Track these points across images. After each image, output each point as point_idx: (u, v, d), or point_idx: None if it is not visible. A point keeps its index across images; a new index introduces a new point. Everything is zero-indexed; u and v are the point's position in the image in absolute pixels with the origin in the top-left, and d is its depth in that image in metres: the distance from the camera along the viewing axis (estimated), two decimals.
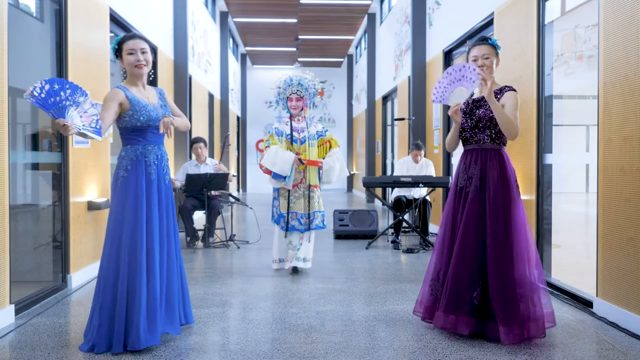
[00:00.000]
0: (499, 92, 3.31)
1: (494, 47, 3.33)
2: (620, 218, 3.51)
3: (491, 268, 3.15)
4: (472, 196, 3.26)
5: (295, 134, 5.14)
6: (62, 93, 2.82)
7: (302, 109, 5.17)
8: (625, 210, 3.45)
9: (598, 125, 3.75)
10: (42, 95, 2.78)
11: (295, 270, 5.15)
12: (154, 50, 7.39)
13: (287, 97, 5.16)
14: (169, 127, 3.21)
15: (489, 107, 3.27)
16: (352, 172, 18.09)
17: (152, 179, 3.18)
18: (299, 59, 18.02)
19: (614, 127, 3.57)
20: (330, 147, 5.27)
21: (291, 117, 5.18)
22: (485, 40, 3.35)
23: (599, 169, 3.75)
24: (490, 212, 3.20)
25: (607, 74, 3.64)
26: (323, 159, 5.19)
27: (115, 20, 5.77)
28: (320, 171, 5.17)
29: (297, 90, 5.12)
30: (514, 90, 3.31)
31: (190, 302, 3.49)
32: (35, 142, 4.59)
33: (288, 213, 5.07)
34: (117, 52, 3.26)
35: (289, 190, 5.09)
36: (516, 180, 3.30)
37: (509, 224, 3.18)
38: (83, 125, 2.88)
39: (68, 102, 2.83)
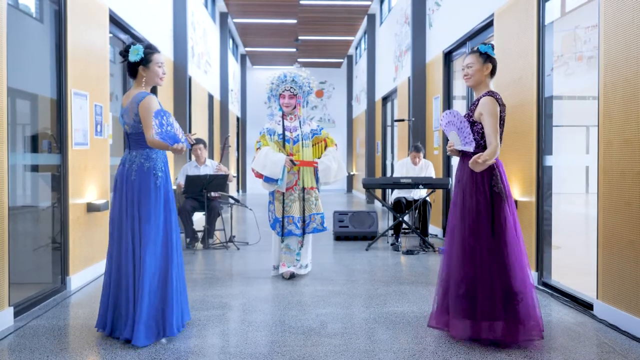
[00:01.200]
0: (477, 101, 3.35)
1: (482, 54, 3.34)
2: (620, 221, 3.50)
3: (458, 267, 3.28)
4: (454, 200, 3.40)
5: (287, 133, 4.93)
6: (163, 121, 3.06)
7: (294, 107, 4.97)
8: (625, 213, 3.44)
9: (598, 127, 3.74)
10: (161, 130, 3.04)
11: (292, 276, 4.97)
12: None
13: (280, 94, 4.95)
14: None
15: (471, 115, 3.34)
16: (351, 173, 18.08)
17: (170, 181, 3.44)
18: (299, 60, 18.01)
19: (614, 129, 3.56)
20: (326, 145, 5.05)
21: (284, 115, 5.00)
22: (475, 50, 3.40)
23: (599, 172, 3.74)
24: (462, 215, 3.29)
25: (608, 75, 3.63)
26: (319, 158, 4.99)
27: (115, 21, 5.76)
28: (317, 172, 4.95)
29: (291, 88, 4.91)
30: (491, 95, 3.27)
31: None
32: (34, 144, 4.58)
33: (283, 217, 4.89)
34: (143, 60, 3.32)
35: (283, 194, 4.90)
36: (495, 183, 3.24)
37: (480, 226, 3.22)
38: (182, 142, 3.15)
39: (169, 127, 3.07)
